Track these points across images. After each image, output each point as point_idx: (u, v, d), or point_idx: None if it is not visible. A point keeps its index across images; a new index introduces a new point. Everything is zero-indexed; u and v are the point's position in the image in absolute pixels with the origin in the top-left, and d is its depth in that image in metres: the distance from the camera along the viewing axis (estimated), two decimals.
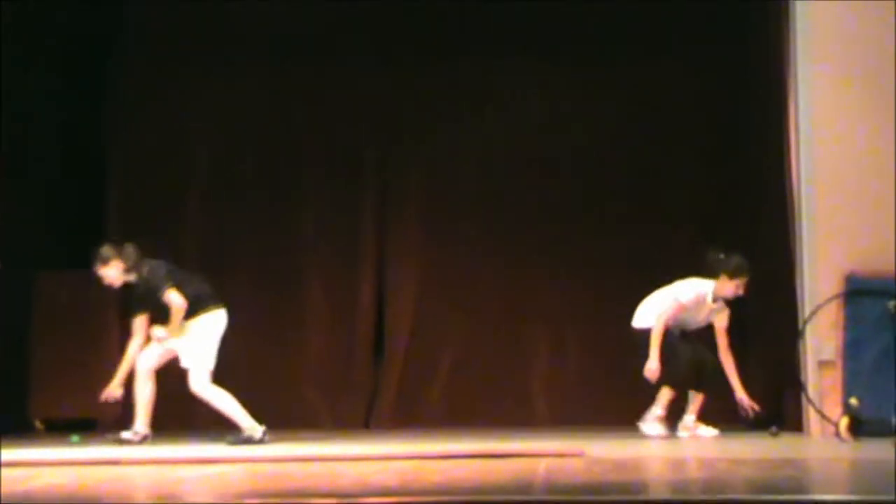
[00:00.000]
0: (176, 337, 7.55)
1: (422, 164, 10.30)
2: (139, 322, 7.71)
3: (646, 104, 9.99)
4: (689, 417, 8.06)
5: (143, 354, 7.68)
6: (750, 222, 8.97)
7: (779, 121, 8.33)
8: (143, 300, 7.70)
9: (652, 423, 8.01)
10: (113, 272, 7.64)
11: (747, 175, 9.08)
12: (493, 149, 10.12)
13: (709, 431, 7.99)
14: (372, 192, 10.32)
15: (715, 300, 8.06)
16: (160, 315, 7.62)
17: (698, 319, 8.14)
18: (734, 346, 8.29)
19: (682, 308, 8.06)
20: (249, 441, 7.36)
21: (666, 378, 7.95)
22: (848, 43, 8.03)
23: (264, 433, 7.45)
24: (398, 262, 10.26)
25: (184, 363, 7.58)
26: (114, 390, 7.65)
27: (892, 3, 8.00)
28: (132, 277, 7.67)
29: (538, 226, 10.00)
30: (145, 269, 7.64)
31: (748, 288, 8.12)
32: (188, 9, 9.95)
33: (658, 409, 8.00)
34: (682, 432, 8.02)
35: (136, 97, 10.22)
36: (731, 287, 8.01)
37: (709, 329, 8.18)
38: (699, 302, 8.08)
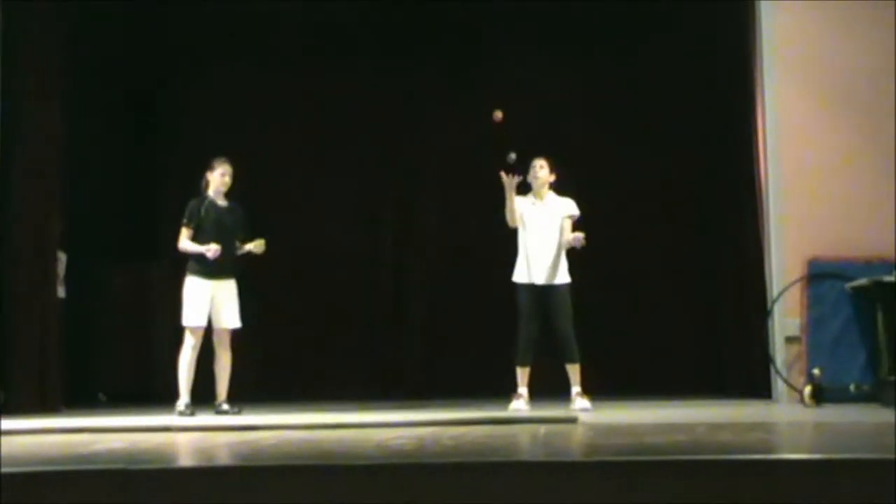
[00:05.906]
0: None
1: (441, 144, 10.08)
2: None
3: (630, 100, 9.91)
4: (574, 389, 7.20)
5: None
6: (723, 215, 8.95)
7: (748, 124, 8.31)
8: None
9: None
10: None
11: (721, 173, 9.04)
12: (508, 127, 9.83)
13: (584, 403, 7.06)
14: (394, 171, 10.17)
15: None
16: None
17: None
18: (710, 325, 8.25)
19: None
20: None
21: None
22: (809, 49, 8.05)
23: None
24: (416, 237, 10.10)
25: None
26: None
27: (848, 14, 8.01)
28: None
29: None
30: None
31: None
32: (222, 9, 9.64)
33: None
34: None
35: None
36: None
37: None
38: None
